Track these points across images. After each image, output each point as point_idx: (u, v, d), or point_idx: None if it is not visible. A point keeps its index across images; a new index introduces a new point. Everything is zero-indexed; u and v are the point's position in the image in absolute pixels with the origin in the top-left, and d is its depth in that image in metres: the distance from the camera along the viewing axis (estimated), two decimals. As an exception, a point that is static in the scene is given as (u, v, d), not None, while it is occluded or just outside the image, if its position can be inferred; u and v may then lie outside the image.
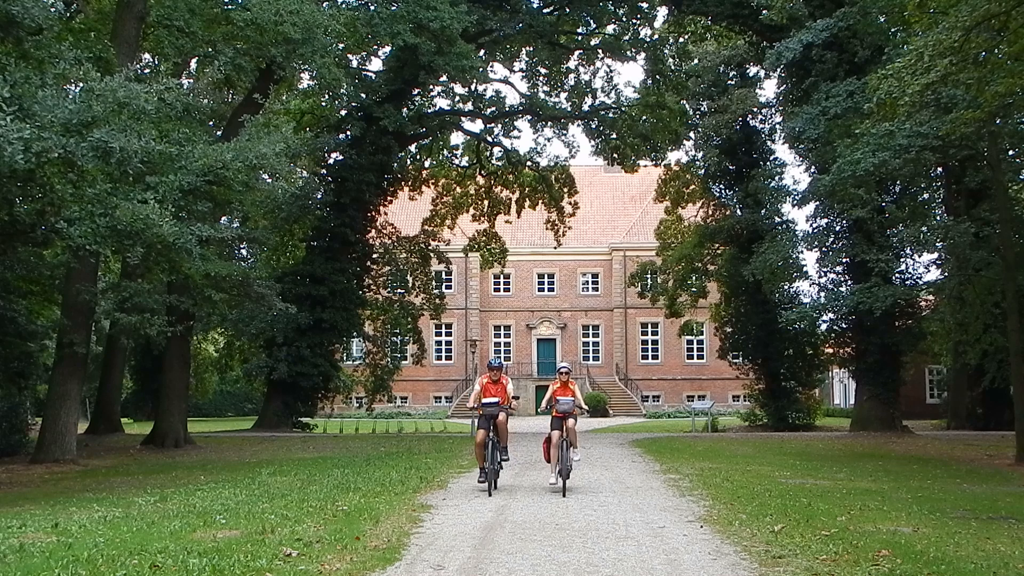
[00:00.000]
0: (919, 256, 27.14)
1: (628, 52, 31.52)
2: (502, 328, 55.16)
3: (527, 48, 32.71)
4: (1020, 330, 17.44)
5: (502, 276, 52.32)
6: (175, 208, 14.66)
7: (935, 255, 25.49)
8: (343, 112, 31.41)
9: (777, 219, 30.62)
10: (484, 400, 11.84)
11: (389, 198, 33.29)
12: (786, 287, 30.53)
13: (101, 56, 16.58)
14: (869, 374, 27.12)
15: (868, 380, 27.24)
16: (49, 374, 21.39)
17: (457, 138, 36.77)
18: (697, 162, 34.75)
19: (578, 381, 61.61)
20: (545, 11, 31.47)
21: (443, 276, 43.72)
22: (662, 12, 32.06)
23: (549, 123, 34.60)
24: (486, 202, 37.29)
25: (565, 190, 36.26)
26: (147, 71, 20.78)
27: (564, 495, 11.09)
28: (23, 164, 11.67)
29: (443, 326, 50.99)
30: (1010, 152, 21.13)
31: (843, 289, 26.65)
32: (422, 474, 13.75)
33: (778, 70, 28.39)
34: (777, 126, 32.65)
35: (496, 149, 36.22)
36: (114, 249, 15.37)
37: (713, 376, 50.77)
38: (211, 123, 23.94)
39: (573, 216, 37.35)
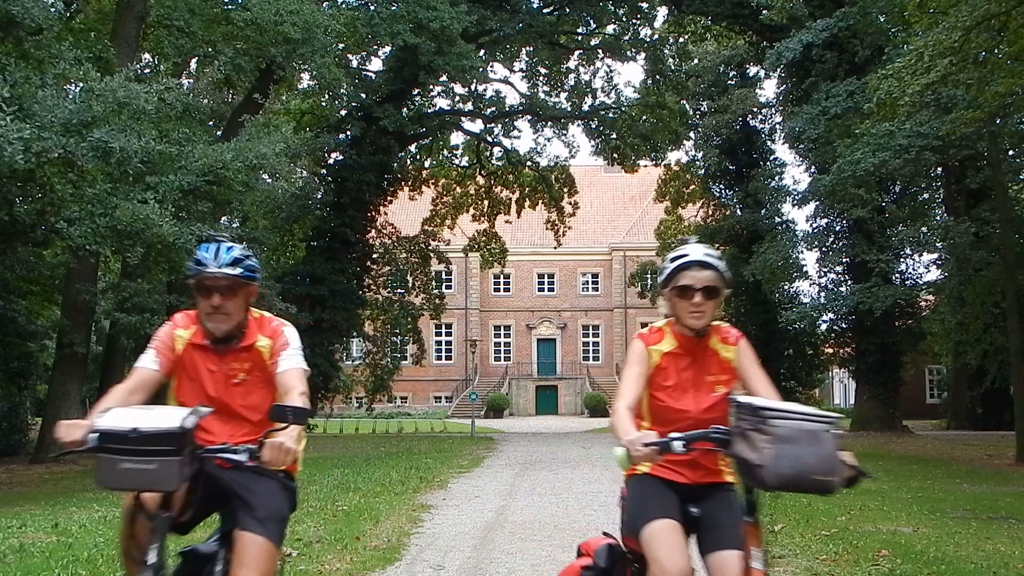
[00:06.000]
0: (919, 256, 27.21)
1: (628, 52, 31.52)
2: (502, 328, 55.15)
3: (527, 48, 32.69)
4: (1020, 330, 17.44)
5: (502, 276, 52.30)
6: (175, 208, 14.66)
7: (935, 255, 25.53)
8: (343, 112, 31.38)
9: (777, 219, 30.64)
10: (97, 427, 2.82)
11: (389, 198, 33.26)
12: (786, 287, 30.58)
13: (101, 56, 16.56)
14: (869, 374, 27.11)
15: (868, 380, 27.23)
16: (49, 374, 21.39)
17: (457, 138, 36.78)
18: (697, 162, 34.80)
19: (578, 381, 55.90)
20: (545, 11, 31.46)
21: (443, 276, 43.69)
22: (662, 12, 32.09)
23: (549, 123, 34.57)
24: (486, 202, 37.28)
25: (565, 190, 36.26)
26: (147, 71, 20.78)
27: None
28: (23, 164, 11.67)
29: (443, 326, 50.98)
30: (1010, 152, 21.16)
31: (843, 289, 26.66)
32: (422, 474, 13.75)
33: (778, 70, 28.41)
34: (777, 126, 32.73)
35: (496, 149, 36.19)
36: (114, 249, 15.38)
37: (713, 376, 50.59)
38: (211, 123, 23.91)
39: (573, 216, 37.34)
